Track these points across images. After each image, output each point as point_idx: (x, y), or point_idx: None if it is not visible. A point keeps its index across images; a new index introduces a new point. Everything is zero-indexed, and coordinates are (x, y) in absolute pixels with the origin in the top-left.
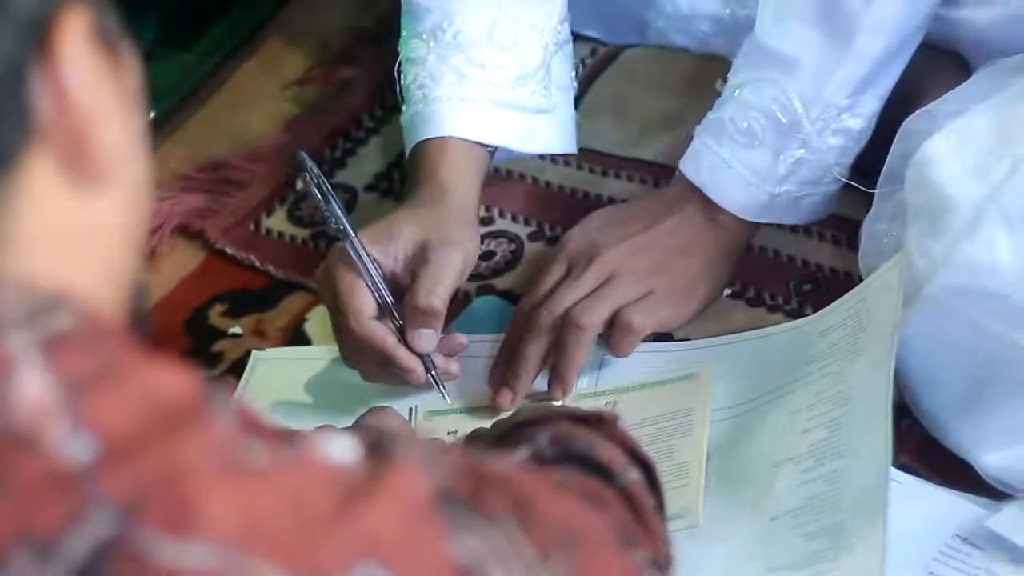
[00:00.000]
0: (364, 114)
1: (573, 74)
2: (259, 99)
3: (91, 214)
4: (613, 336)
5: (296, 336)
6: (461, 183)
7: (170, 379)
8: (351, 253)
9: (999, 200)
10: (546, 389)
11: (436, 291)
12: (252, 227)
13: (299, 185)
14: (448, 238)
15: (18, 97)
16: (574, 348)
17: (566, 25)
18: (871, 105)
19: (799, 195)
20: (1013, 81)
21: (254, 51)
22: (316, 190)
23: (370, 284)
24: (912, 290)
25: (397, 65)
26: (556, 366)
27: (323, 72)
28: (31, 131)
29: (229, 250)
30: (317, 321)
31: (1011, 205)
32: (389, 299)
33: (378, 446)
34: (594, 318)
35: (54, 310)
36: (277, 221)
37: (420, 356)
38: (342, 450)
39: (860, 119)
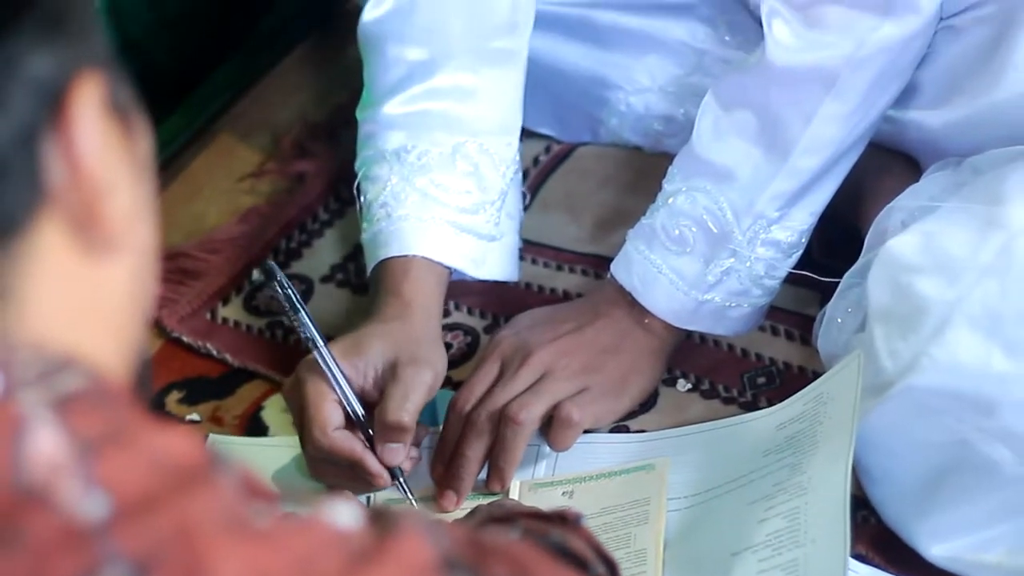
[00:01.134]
0: (319, 206)
1: (522, 205)
2: (214, 190)
3: (99, 279)
4: (552, 430)
5: (253, 423)
6: (425, 300)
7: (177, 441)
8: (321, 364)
9: (966, 304)
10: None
11: (406, 407)
12: (208, 316)
13: (269, 294)
14: (418, 357)
15: (31, 162)
16: (513, 444)
17: (520, 156)
18: (802, 219)
19: (726, 305)
20: (972, 180)
21: (208, 143)
22: (286, 300)
23: (340, 395)
24: (878, 389)
25: (356, 184)
26: (495, 461)
27: (277, 165)
28: (43, 196)
29: (186, 338)
30: (274, 409)
31: (977, 309)
32: (360, 411)
33: (381, 515)
34: (532, 414)
35: (64, 371)
36: (233, 310)
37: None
38: (347, 516)
39: (790, 232)
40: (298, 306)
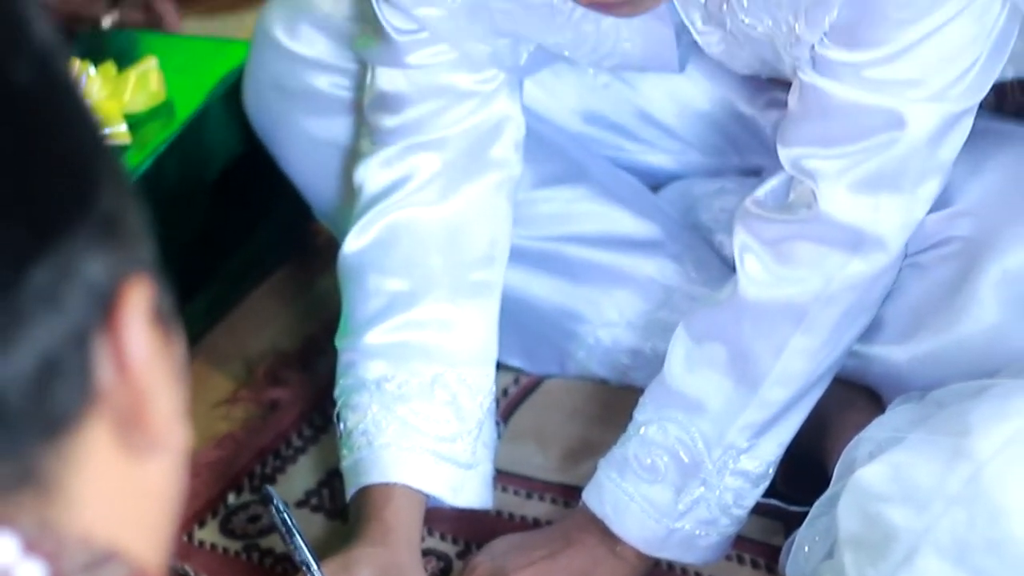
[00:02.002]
0: (293, 433)
1: (496, 434)
2: (190, 417)
3: (140, 477)
4: None
5: None
6: (406, 526)
7: None
8: None
9: (934, 533)
10: None
11: None
12: (186, 538)
13: (265, 518)
14: None
15: (83, 362)
16: None
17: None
18: (770, 449)
19: (696, 533)
20: (937, 413)
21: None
22: (282, 524)
23: None
24: None
25: (336, 412)
26: None
27: (251, 393)
28: (92, 396)
29: None
30: None
31: (946, 538)
32: None
33: None
34: None
35: (108, 563)
36: (210, 533)
37: None
38: None
39: (758, 462)
40: (294, 530)
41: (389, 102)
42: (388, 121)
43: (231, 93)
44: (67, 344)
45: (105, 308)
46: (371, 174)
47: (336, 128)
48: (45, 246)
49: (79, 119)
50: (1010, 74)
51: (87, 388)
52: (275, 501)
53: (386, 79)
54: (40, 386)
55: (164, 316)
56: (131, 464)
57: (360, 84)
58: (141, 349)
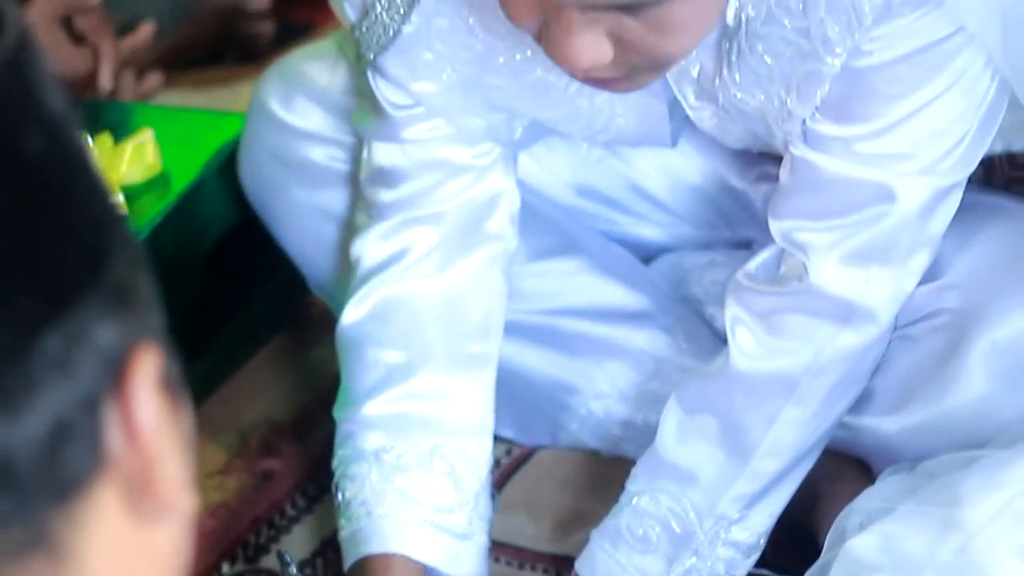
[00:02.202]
0: (287, 503)
1: (491, 505)
2: None
3: (148, 543)
4: None
5: None
6: None
7: None
8: None
9: None
10: None
11: None
12: None
13: None
14: None
15: (94, 427)
16: None
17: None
18: (761, 520)
19: None
20: (927, 484)
21: None
22: None
23: None
24: None
25: (334, 482)
26: None
27: (244, 463)
28: (102, 461)
29: None
30: None
31: None
32: None
33: None
34: None
35: None
36: None
37: None
38: None
39: (749, 533)
40: None
41: (386, 177)
42: (385, 196)
43: (226, 165)
44: (78, 409)
45: (115, 374)
46: (368, 248)
47: (331, 200)
48: (57, 313)
49: (91, 188)
50: (999, 148)
51: (97, 453)
52: (288, 563)
53: (383, 154)
54: (51, 450)
55: (172, 384)
56: (139, 529)
57: (355, 156)
58: (150, 415)
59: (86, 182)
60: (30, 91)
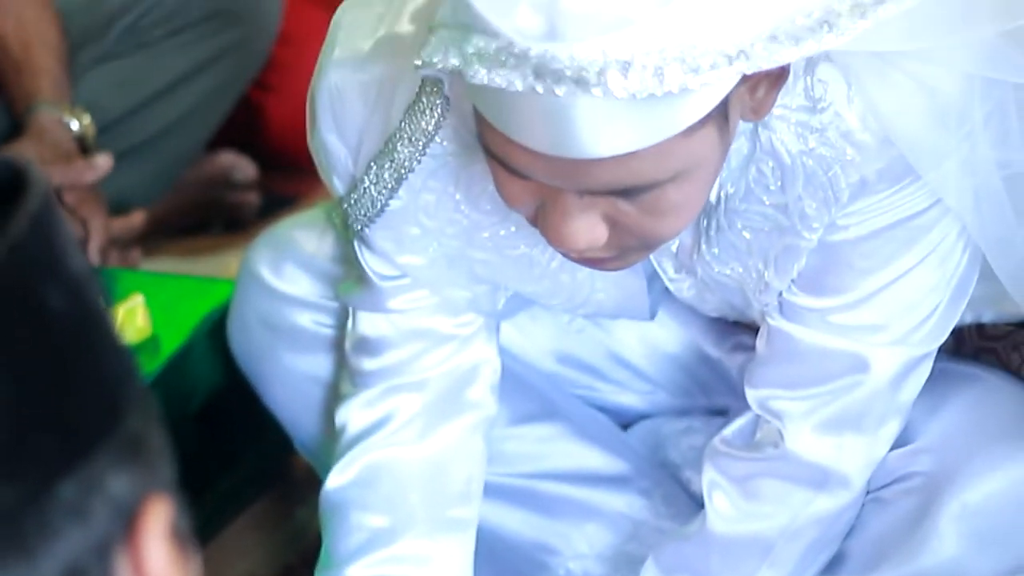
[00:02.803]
0: None
1: None
2: None
3: None
4: None
5: None
6: None
7: None
8: None
9: None
10: None
11: None
12: None
13: None
14: None
15: (105, 573)
16: None
17: None
18: None
19: None
20: None
21: None
22: None
23: None
24: None
25: None
26: None
27: None
28: None
29: None
30: None
31: None
32: None
33: None
34: None
35: None
36: None
37: None
38: None
39: None
40: None
41: (370, 346)
42: (369, 364)
43: (215, 329)
44: (91, 555)
45: (127, 523)
46: (353, 415)
47: (318, 364)
48: (75, 462)
49: (108, 344)
50: (968, 319)
51: None
52: None
53: (368, 324)
54: None
55: (181, 534)
56: None
57: (341, 323)
58: (160, 564)
59: (105, 338)
60: (53, 251)
